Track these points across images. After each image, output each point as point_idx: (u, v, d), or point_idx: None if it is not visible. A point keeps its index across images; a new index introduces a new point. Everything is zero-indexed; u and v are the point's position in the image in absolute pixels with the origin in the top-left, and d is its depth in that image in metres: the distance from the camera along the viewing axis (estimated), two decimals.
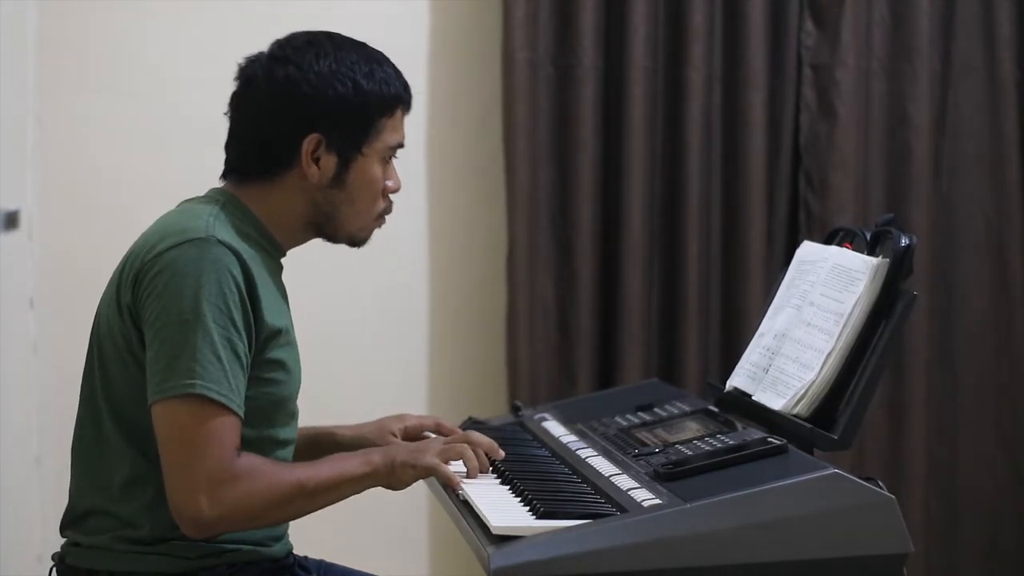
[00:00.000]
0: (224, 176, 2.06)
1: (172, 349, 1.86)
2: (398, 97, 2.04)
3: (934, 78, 3.52)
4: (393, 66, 2.06)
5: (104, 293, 2.01)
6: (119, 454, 1.95)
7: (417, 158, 3.49)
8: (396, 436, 2.31)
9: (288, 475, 1.92)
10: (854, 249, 2.21)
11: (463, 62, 3.50)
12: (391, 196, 2.08)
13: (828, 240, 2.32)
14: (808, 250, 2.32)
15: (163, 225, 1.97)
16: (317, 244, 3.50)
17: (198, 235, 1.91)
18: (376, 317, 3.50)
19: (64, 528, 2.02)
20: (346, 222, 2.05)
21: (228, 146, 2.05)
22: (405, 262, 3.50)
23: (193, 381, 1.85)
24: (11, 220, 3.18)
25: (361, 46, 2.05)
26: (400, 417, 2.33)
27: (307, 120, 1.98)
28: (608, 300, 3.46)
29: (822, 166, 3.48)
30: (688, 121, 3.43)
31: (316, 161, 2.00)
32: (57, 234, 3.31)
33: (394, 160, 2.08)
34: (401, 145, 2.07)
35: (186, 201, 2.06)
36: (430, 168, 3.50)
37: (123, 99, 3.33)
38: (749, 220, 3.46)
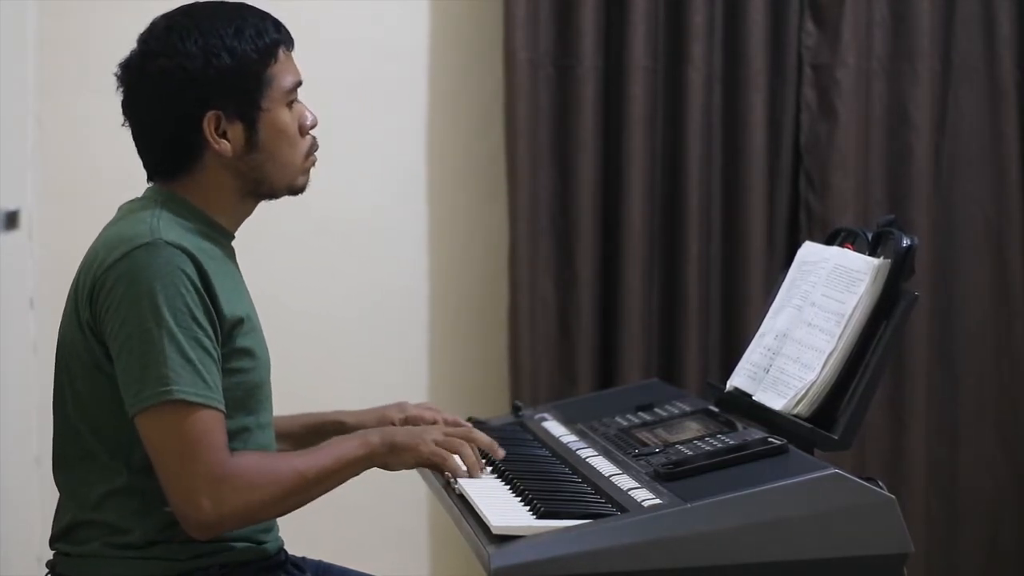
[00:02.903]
0: (149, 179, 2.05)
1: (141, 359, 1.86)
2: (274, 43, 2.01)
3: (934, 78, 3.52)
4: (257, 12, 2.03)
5: (63, 313, 1.99)
6: (104, 467, 1.94)
7: (417, 158, 3.49)
8: (396, 426, 2.32)
9: (287, 466, 1.92)
10: (855, 250, 2.21)
11: (463, 62, 3.50)
12: (312, 132, 2.06)
13: (829, 240, 2.32)
14: (809, 250, 2.32)
15: (109, 236, 1.96)
16: (317, 244, 3.51)
17: (145, 240, 1.90)
18: (376, 317, 3.50)
19: (53, 542, 2.02)
20: (277, 178, 2.03)
21: (139, 152, 2.04)
22: (405, 262, 3.50)
23: (169, 388, 1.85)
24: (11, 220, 3.18)
25: (219, 7, 2.02)
26: (400, 406, 2.34)
27: (197, 103, 1.96)
28: (608, 300, 3.46)
29: (822, 166, 3.48)
30: (688, 121, 3.42)
31: (223, 135, 1.98)
32: (57, 234, 3.31)
33: (299, 99, 2.05)
34: (299, 83, 2.04)
35: (125, 204, 2.05)
36: (430, 168, 3.50)
37: None
38: (749, 220, 3.45)
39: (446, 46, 3.49)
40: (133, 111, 2.02)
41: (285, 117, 2.02)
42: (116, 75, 2.03)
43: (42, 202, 3.31)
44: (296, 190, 2.07)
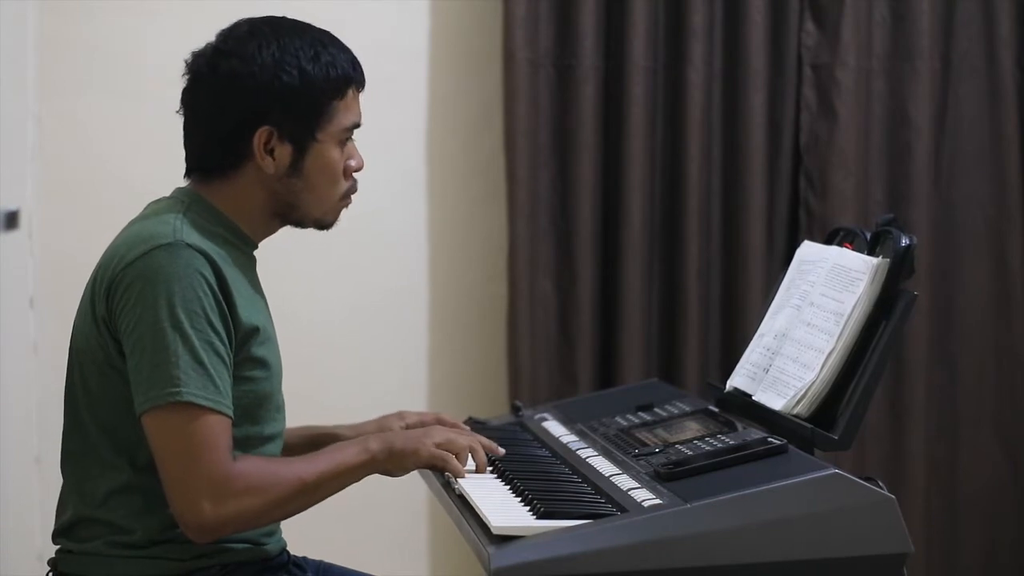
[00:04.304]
0: (187, 174, 2.05)
1: (153, 358, 1.86)
2: (347, 78, 2.01)
3: (934, 78, 3.52)
4: (340, 45, 2.02)
5: (79, 307, 2.00)
6: (108, 465, 1.95)
7: (417, 158, 3.49)
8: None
9: (288, 472, 1.92)
10: (854, 249, 2.21)
11: (463, 62, 3.50)
12: (355, 175, 2.06)
13: (828, 240, 2.32)
14: (808, 250, 2.32)
15: (130, 233, 1.96)
16: (316, 245, 3.50)
17: (166, 240, 1.90)
18: (376, 317, 3.50)
19: (56, 537, 2.02)
20: (309, 208, 2.03)
21: (185, 144, 2.03)
22: (405, 262, 3.50)
23: (178, 389, 1.85)
24: (11, 220, 3.18)
25: (305, 29, 2.02)
26: (400, 415, 2.33)
27: (256, 113, 1.96)
28: (608, 300, 3.46)
29: (822, 166, 3.48)
30: (688, 121, 3.42)
31: (270, 152, 1.97)
32: (57, 234, 3.31)
33: (353, 139, 2.05)
34: (357, 125, 2.04)
35: (152, 203, 2.04)
36: (430, 168, 3.50)
37: (123, 99, 3.33)
38: (749, 220, 3.45)
39: (446, 46, 3.49)
40: (191, 101, 2.02)
41: (335, 153, 2.01)
42: (185, 61, 2.02)
43: (42, 202, 3.31)
44: (324, 226, 2.07)
